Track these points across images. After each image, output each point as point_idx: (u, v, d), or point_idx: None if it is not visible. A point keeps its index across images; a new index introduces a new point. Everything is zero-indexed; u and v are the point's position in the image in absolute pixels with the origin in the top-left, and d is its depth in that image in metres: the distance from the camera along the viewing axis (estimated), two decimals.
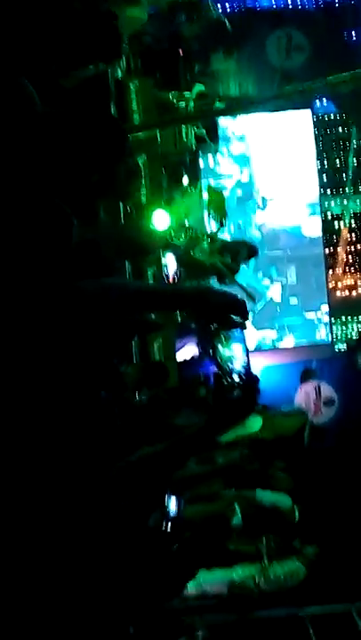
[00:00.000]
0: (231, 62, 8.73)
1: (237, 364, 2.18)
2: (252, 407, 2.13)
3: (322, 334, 10.45)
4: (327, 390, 9.57)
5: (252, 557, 5.68)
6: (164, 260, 6.11)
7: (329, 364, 9.96)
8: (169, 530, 3.13)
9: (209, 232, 7.37)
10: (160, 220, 5.43)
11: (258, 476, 6.56)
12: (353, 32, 9.90)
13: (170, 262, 6.07)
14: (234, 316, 1.69)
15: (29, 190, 1.49)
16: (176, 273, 5.36)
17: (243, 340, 2.10)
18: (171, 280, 5.45)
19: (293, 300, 10.52)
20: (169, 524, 3.18)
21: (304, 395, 9.47)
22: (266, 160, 10.38)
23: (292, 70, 9.58)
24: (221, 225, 7.34)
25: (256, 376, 2.22)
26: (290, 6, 9.87)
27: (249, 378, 2.12)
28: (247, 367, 2.12)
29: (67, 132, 1.71)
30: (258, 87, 9.74)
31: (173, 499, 3.27)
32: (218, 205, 7.20)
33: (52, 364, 1.43)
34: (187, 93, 6.76)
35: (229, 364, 2.17)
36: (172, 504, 3.34)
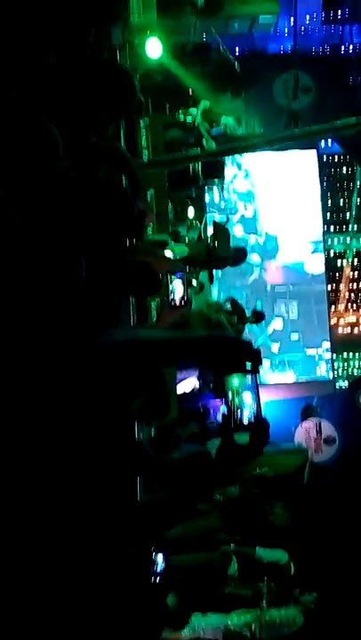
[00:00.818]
0: (239, 102, 8.93)
1: (247, 412, 2.18)
2: (261, 449, 2.13)
3: (322, 370, 10.42)
4: (328, 428, 9.48)
5: (249, 602, 5.56)
6: (171, 285, 6.12)
7: (330, 401, 9.90)
8: (157, 583, 3.11)
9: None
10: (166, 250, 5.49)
11: (256, 512, 6.46)
12: (357, 76, 10.17)
13: (177, 287, 6.08)
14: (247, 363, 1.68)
15: (47, 241, 1.52)
16: (183, 297, 5.35)
17: (254, 389, 2.11)
18: (177, 303, 5.43)
19: (295, 336, 10.54)
20: (157, 578, 3.15)
21: (305, 432, 9.39)
22: (270, 197, 10.56)
23: (298, 111, 9.81)
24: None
25: (267, 422, 2.22)
26: (297, 50, 10.18)
27: (259, 424, 2.13)
28: (257, 414, 2.13)
29: (88, 204, 1.76)
30: (265, 127, 9.96)
31: (160, 555, 3.25)
32: (222, 241, 7.27)
33: (67, 416, 1.44)
34: (192, 110, 6.92)
35: (239, 411, 2.16)
36: (160, 559, 3.31)
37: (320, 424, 9.39)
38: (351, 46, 10.34)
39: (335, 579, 6.38)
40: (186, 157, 5.69)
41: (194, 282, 7.52)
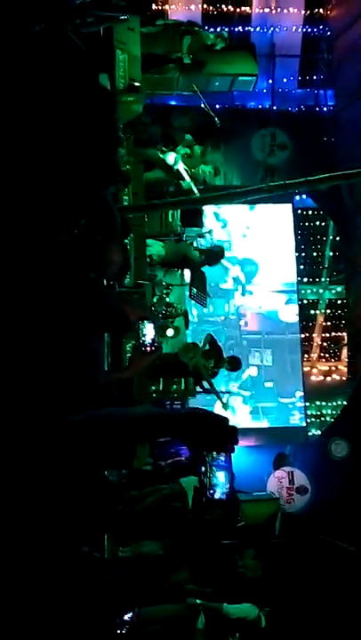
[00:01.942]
0: (218, 155, 9.27)
1: (219, 491, 2.17)
2: (231, 528, 2.12)
3: (296, 419, 10.44)
4: (301, 478, 9.40)
5: None
6: (142, 330, 6.14)
7: (303, 450, 9.86)
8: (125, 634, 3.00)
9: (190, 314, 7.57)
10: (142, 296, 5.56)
11: (226, 563, 6.31)
12: (331, 136, 10.69)
13: (149, 332, 6.11)
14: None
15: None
16: (153, 343, 5.39)
17: (228, 469, 2.10)
18: (148, 349, 5.46)
19: (269, 384, 10.58)
20: (125, 628, 3.04)
21: (277, 481, 9.28)
22: (247, 247, 10.81)
23: (275, 166, 10.20)
24: (203, 304, 7.52)
25: (238, 503, 2.22)
26: (274, 109, 10.70)
27: (230, 500, 2.12)
28: (229, 493, 2.13)
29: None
30: (243, 179, 10.30)
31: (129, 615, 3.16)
32: (199, 284, 7.39)
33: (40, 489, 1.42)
34: (167, 155, 7.11)
35: (212, 491, 2.16)
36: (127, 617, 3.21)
37: (293, 473, 9.30)
38: (325, 108, 10.91)
39: (307, 631, 6.19)
40: (165, 204, 5.83)
41: (169, 331, 7.59)
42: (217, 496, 2.07)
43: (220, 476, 2.11)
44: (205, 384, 6.92)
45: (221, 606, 5.53)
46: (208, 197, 6.27)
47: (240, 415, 10.22)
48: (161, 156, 6.95)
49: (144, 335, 6.11)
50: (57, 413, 1.44)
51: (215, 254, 7.43)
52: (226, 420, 1.57)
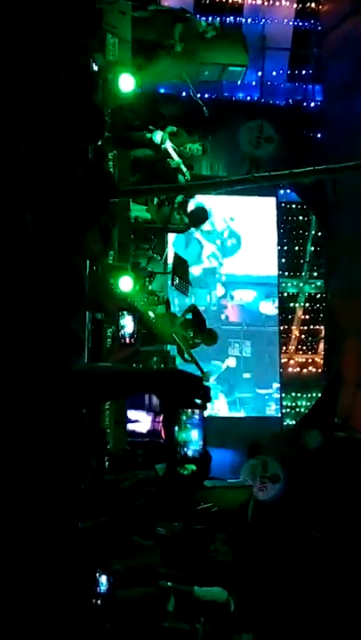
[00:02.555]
0: (207, 145, 9.26)
1: (193, 448, 2.23)
2: (203, 481, 2.19)
3: (272, 410, 10.60)
4: (274, 467, 9.56)
5: (186, 637, 5.48)
6: (122, 322, 6.19)
7: (277, 439, 10.02)
8: (100, 605, 3.05)
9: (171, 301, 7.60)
10: (124, 282, 5.57)
11: (198, 547, 6.41)
12: (317, 131, 10.78)
13: (128, 324, 6.15)
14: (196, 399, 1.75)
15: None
16: (133, 335, 5.45)
17: (200, 426, 2.16)
18: (127, 341, 5.52)
19: (247, 375, 10.71)
20: (99, 600, 3.10)
21: (251, 469, 9.43)
22: (230, 239, 10.88)
23: (261, 158, 10.25)
24: (185, 293, 7.55)
25: (209, 455, 2.29)
26: (263, 102, 10.73)
27: (202, 457, 2.18)
28: (202, 450, 2.18)
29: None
30: (229, 171, 10.34)
31: (105, 576, 3.21)
32: (182, 274, 7.42)
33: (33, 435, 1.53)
34: (156, 133, 7.12)
35: (185, 448, 2.22)
36: (104, 580, 3.27)
37: (266, 462, 9.46)
38: (313, 103, 10.98)
39: (275, 617, 6.35)
40: (150, 190, 5.85)
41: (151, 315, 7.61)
42: (190, 453, 2.15)
43: (194, 434, 2.18)
44: (186, 355, 6.97)
45: (192, 589, 5.63)
46: (194, 185, 6.31)
47: (218, 405, 10.34)
48: (148, 135, 6.94)
49: (123, 327, 6.14)
50: (45, 369, 1.52)
51: (199, 217, 7.46)
52: (200, 378, 1.65)
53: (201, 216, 7.73)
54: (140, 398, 8.55)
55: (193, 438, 2.20)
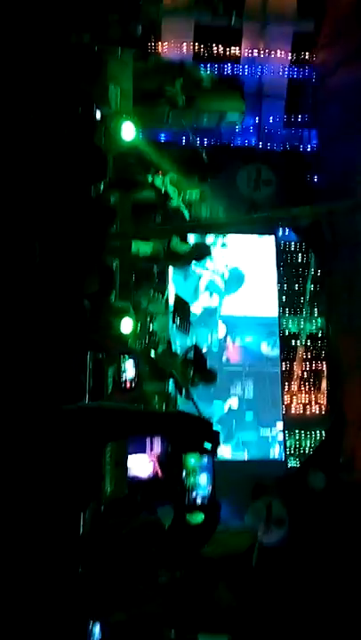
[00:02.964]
0: (206, 191, 9.49)
1: (201, 493, 2.21)
2: (212, 533, 2.16)
3: (276, 453, 10.46)
4: (279, 509, 9.36)
5: None
6: (123, 366, 6.21)
7: (281, 481, 9.85)
8: None
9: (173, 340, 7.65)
10: (125, 324, 5.62)
11: (201, 594, 6.23)
12: (313, 174, 11.05)
13: (129, 368, 6.18)
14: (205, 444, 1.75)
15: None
16: (133, 380, 5.49)
17: (210, 471, 2.14)
18: (127, 385, 5.56)
19: (249, 416, 10.61)
20: None
21: (255, 512, 9.23)
22: (232, 277, 10.98)
23: (259, 201, 10.46)
24: (187, 333, 7.60)
25: (219, 505, 2.27)
26: (260, 146, 11.04)
27: (212, 506, 2.16)
28: (211, 496, 2.15)
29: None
30: (228, 213, 10.53)
31: (98, 626, 3.14)
32: (183, 314, 7.49)
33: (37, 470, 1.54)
34: (159, 178, 7.31)
35: (194, 493, 2.19)
36: (97, 631, 3.19)
37: (271, 504, 9.27)
38: (309, 147, 11.29)
39: None
40: (151, 231, 5.97)
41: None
42: (199, 500, 2.12)
43: (203, 478, 2.15)
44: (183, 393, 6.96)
45: (196, 638, 5.46)
46: (196, 226, 6.44)
47: (220, 448, 10.20)
48: (149, 177, 7.16)
49: (124, 371, 6.14)
50: (51, 404, 1.54)
51: (201, 251, 7.59)
52: (210, 423, 1.65)
53: (203, 251, 7.88)
54: (141, 442, 8.46)
55: (201, 483, 2.17)
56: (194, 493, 2.17)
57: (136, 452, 7.38)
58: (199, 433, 1.63)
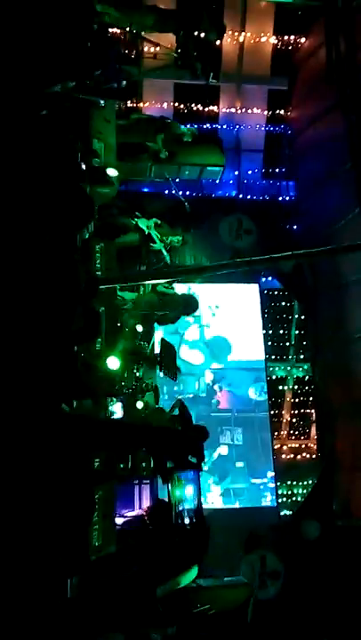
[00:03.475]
0: (188, 237, 9.71)
1: (188, 507, 2.18)
2: (202, 552, 2.14)
3: (267, 501, 10.24)
4: (273, 562, 9.06)
5: None
6: (111, 407, 6.18)
7: (275, 531, 9.58)
8: None
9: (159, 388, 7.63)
10: (112, 361, 5.62)
11: None
12: (292, 223, 11.38)
13: (117, 410, 6.17)
14: (190, 458, 1.78)
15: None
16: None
17: (196, 482, 2.12)
18: None
19: (240, 464, 10.44)
20: None
21: (249, 566, 8.92)
22: (216, 325, 11.07)
23: (241, 249, 10.69)
24: (174, 379, 7.58)
25: (208, 524, 2.26)
26: (240, 198, 11.40)
27: (200, 522, 2.15)
28: (198, 509, 2.12)
29: None
30: (211, 260, 10.73)
31: None
32: (169, 360, 7.49)
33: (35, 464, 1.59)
34: (143, 221, 7.46)
35: (181, 506, 2.16)
36: None
37: (265, 557, 8.98)
38: (288, 197, 11.68)
39: None
40: (137, 276, 6.06)
41: (139, 404, 7.58)
42: (185, 513, 2.08)
43: (189, 490, 2.11)
44: None
45: None
46: (180, 272, 6.55)
47: (211, 497, 9.99)
48: (133, 221, 7.33)
49: (113, 413, 6.10)
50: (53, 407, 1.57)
51: (189, 304, 7.65)
52: (194, 437, 1.68)
53: (191, 304, 7.96)
54: (129, 495, 8.27)
55: (188, 495, 2.13)
56: (180, 507, 2.14)
57: (124, 507, 7.22)
58: (184, 447, 1.67)
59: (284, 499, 10.52)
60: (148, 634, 5.69)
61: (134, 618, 5.47)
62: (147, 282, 6.49)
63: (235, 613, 7.42)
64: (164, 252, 6.99)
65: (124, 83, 5.76)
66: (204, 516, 2.08)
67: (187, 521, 1.97)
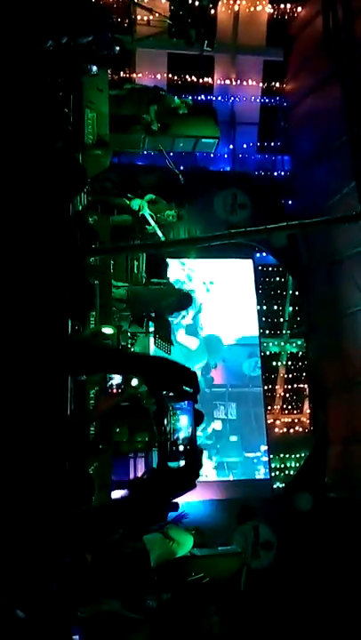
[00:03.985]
0: (183, 213, 9.63)
1: (182, 434, 2.19)
2: (194, 477, 2.14)
3: (261, 474, 10.37)
4: (266, 533, 9.23)
5: None
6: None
7: (268, 503, 9.73)
8: None
9: None
10: (106, 330, 5.62)
11: (191, 620, 6.08)
12: (287, 198, 11.29)
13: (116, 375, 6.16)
14: (185, 387, 1.79)
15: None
16: (120, 385, 5.46)
17: (190, 412, 2.13)
18: (115, 391, 5.52)
19: (234, 438, 10.54)
20: None
21: (242, 536, 9.09)
22: (211, 302, 11.06)
23: (236, 223, 10.62)
24: (168, 353, 7.58)
25: (201, 448, 2.26)
26: (235, 172, 11.28)
27: (193, 449, 2.16)
28: (192, 438, 2.12)
29: None
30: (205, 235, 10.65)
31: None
32: (164, 333, 7.48)
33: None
34: (136, 201, 7.37)
35: (175, 434, 2.18)
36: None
37: (258, 528, 9.14)
38: (282, 172, 11.56)
39: None
40: (131, 247, 6.01)
41: (134, 381, 7.60)
42: (180, 442, 2.08)
43: (183, 420, 2.12)
44: None
45: None
46: (174, 242, 6.51)
47: (205, 469, 10.11)
48: (127, 202, 7.22)
49: (111, 378, 6.12)
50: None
51: (185, 300, 7.63)
52: (188, 368, 1.70)
53: (186, 300, 7.95)
54: (125, 466, 8.34)
55: (182, 424, 2.14)
56: (175, 436, 2.14)
57: (120, 477, 7.28)
58: (179, 376, 1.68)
59: (277, 472, 10.65)
60: (144, 600, 5.80)
61: (130, 585, 5.56)
62: (140, 251, 6.44)
63: (228, 582, 7.56)
64: (159, 234, 6.92)
65: (117, 49, 5.63)
66: (197, 443, 2.09)
67: (181, 448, 2.01)
